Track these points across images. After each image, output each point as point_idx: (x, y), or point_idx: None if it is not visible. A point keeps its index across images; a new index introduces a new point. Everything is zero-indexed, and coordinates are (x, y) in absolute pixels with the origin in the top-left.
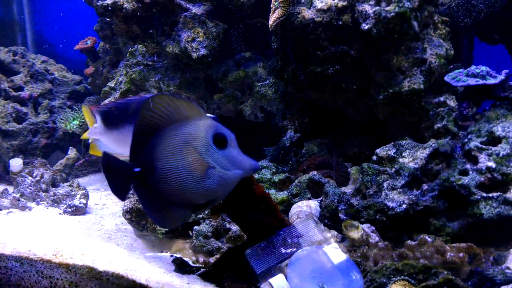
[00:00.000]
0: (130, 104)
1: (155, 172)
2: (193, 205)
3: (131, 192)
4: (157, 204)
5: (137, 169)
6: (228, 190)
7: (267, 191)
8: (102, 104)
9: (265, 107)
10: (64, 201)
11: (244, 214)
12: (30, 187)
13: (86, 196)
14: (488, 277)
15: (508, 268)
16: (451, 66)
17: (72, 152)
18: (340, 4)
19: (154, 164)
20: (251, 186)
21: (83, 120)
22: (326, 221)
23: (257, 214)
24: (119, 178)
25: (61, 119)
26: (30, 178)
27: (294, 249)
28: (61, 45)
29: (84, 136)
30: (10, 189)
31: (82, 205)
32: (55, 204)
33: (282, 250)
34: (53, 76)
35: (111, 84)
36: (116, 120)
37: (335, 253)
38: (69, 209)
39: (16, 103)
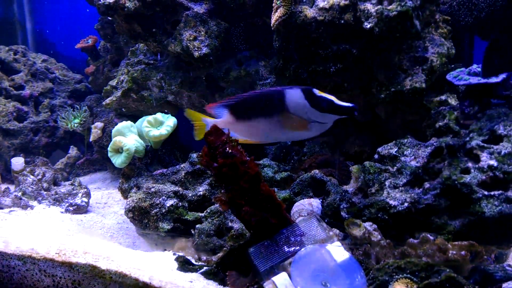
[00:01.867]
0: (262, 97)
1: None
2: None
3: (132, 190)
4: None
5: None
6: None
7: None
8: (226, 99)
9: None
10: (66, 200)
11: (250, 212)
12: (31, 186)
13: (87, 194)
14: (489, 273)
15: (509, 265)
16: (452, 66)
17: (73, 151)
18: (342, 2)
19: None
20: (258, 184)
21: (84, 119)
22: (328, 219)
23: (262, 212)
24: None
25: (62, 118)
26: (31, 176)
27: (297, 248)
28: (62, 42)
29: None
30: (12, 188)
31: (84, 203)
32: (57, 203)
33: (285, 248)
34: (54, 75)
35: (113, 83)
36: (248, 112)
37: (338, 252)
38: (71, 208)
39: (17, 102)
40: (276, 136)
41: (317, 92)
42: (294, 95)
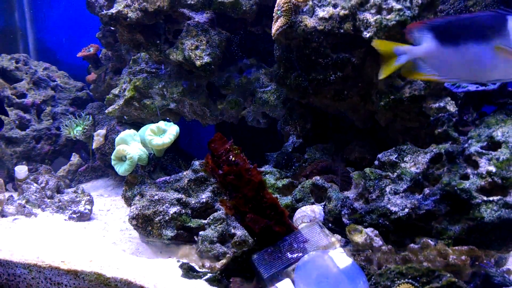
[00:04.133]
0: (476, 18)
1: None
2: None
3: (136, 198)
4: None
5: None
6: None
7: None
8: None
9: (267, 113)
10: (69, 207)
11: (254, 219)
12: (35, 194)
13: (91, 202)
14: (489, 275)
15: (509, 270)
16: None
17: (75, 158)
18: (342, 12)
19: None
20: (262, 191)
21: (86, 127)
22: (330, 225)
23: (266, 220)
24: None
25: (66, 125)
26: (35, 184)
27: (300, 254)
28: (65, 43)
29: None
30: (15, 196)
31: (87, 211)
32: (60, 211)
33: (289, 255)
34: (55, 82)
35: (115, 91)
36: (458, 35)
37: (341, 258)
38: (74, 215)
39: (19, 110)
40: (489, 71)
41: None
42: None
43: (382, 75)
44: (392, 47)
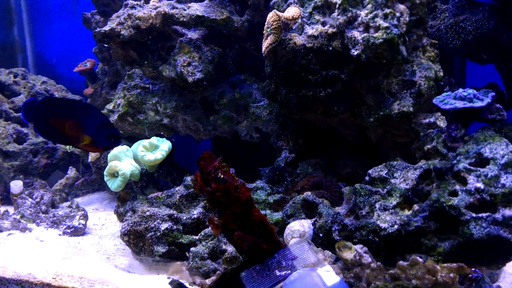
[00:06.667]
0: None
1: None
2: None
3: (128, 214)
4: None
5: None
6: None
7: (262, 212)
8: None
9: (260, 127)
10: (64, 222)
11: (241, 237)
12: (30, 209)
13: (85, 217)
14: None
15: (499, 287)
16: (447, 88)
17: (71, 172)
18: (330, 30)
19: None
20: (250, 209)
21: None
22: (320, 241)
23: (254, 237)
24: None
25: None
26: (30, 199)
27: (289, 272)
28: (54, 60)
29: None
30: (11, 210)
31: (81, 226)
32: (55, 225)
33: (277, 272)
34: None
35: (109, 106)
36: None
37: (329, 276)
38: (69, 230)
39: (16, 124)
40: None
41: None
42: None
43: None
44: None
